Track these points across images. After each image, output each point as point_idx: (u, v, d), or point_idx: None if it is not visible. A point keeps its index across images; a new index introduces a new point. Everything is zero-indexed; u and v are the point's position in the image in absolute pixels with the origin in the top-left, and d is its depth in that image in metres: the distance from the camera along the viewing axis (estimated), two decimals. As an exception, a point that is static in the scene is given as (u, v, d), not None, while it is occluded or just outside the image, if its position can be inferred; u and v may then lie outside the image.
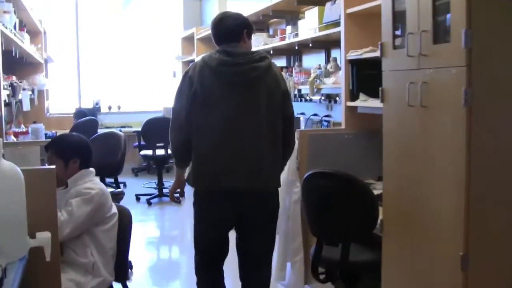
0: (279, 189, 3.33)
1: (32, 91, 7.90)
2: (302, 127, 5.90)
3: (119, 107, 10.57)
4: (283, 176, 3.70)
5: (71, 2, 10.32)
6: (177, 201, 3.33)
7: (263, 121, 3.00)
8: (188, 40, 9.62)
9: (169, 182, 8.22)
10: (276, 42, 5.61)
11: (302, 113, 5.76)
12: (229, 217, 3.10)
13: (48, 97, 9.52)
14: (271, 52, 5.90)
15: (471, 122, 2.24)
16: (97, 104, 10.38)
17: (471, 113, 2.24)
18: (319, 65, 5.00)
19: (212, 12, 9.60)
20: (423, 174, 2.58)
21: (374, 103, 3.80)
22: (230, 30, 3.10)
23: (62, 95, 10.60)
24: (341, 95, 4.63)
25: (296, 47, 5.30)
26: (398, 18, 2.81)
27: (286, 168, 3.65)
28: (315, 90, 4.80)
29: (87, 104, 10.38)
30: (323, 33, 4.49)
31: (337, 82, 4.39)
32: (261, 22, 6.76)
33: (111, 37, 10.69)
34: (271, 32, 6.71)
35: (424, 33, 2.49)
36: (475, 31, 2.20)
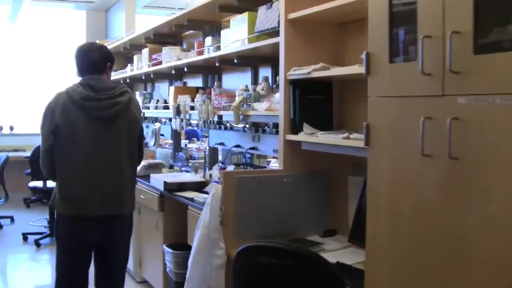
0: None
1: None
2: (220, 158, 4.90)
3: (11, 128, 9.36)
4: (202, 232, 2.97)
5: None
6: None
7: (122, 152, 3.19)
8: (89, 54, 8.39)
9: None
10: (192, 57, 4.59)
11: (221, 143, 4.77)
12: (90, 242, 3.21)
13: None
14: (185, 69, 4.88)
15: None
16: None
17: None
18: (246, 86, 4.03)
19: (119, 25, 8.46)
20: (445, 267, 1.62)
21: (326, 138, 2.85)
22: (95, 62, 3.19)
23: None
24: (270, 125, 3.72)
25: (217, 64, 4.30)
26: (398, 19, 1.86)
27: (203, 222, 2.97)
28: (241, 117, 3.80)
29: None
30: (254, 45, 3.52)
31: (272, 109, 3.43)
32: (174, 34, 5.74)
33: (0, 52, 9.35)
34: (184, 45, 5.70)
35: (457, 36, 1.53)
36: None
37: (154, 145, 5.75)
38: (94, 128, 3.08)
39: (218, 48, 4.13)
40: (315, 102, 3.20)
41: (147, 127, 6.74)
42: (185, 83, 5.81)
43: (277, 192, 3.14)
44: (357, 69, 2.66)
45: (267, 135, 4.05)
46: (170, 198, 4.08)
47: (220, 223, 2.96)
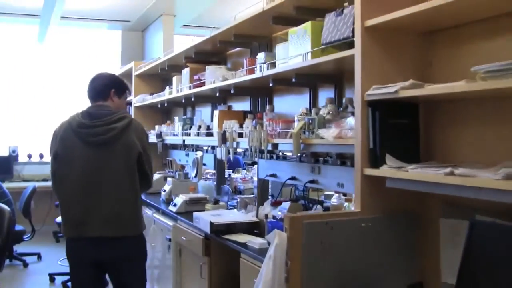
0: None
1: None
2: (271, 193, 4.30)
3: (41, 156, 8.86)
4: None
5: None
6: None
7: (121, 176, 3.29)
8: (126, 78, 7.93)
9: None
10: (241, 77, 4.02)
11: (273, 175, 4.17)
12: (89, 261, 3.30)
13: None
14: (232, 91, 4.32)
15: None
16: (14, 151, 8.68)
17: None
18: (306, 109, 3.43)
19: (156, 45, 8.01)
20: None
21: (422, 174, 2.23)
22: (96, 89, 3.45)
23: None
24: (333, 155, 3.15)
25: (271, 84, 3.71)
26: None
27: (264, 280, 2.41)
28: (302, 146, 3.20)
29: (1, 151, 8.72)
30: (322, 60, 2.92)
31: (342, 136, 2.82)
32: (218, 52, 5.20)
33: (30, 74, 8.98)
34: (229, 65, 5.15)
35: None
36: None
37: (195, 176, 5.18)
38: (90, 154, 3.27)
39: (273, 65, 3.55)
40: (398, 128, 2.58)
41: (187, 155, 6.20)
42: (229, 107, 5.26)
43: (353, 240, 2.53)
44: (466, 86, 2.06)
45: (330, 167, 3.45)
46: (217, 242, 3.48)
47: (285, 281, 2.35)
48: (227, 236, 3.36)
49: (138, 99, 6.96)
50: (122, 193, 3.29)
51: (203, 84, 4.79)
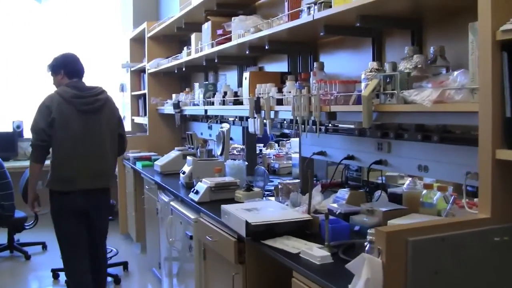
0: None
1: None
2: (319, 184, 3.37)
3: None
4: None
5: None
6: (38, 211, 4.20)
7: (105, 137, 3.93)
8: (138, 42, 7.02)
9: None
10: (281, 25, 3.03)
11: (321, 153, 3.25)
12: (79, 211, 3.85)
13: None
14: (267, 46, 3.37)
15: None
16: (18, 127, 7.83)
17: None
18: (377, 63, 2.46)
19: (172, 3, 7.01)
20: None
21: None
22: (81, 70, 4.03)
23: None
24: (412, 127, 2.23)
25: (322, 33, 2.73)
26: None
27: None
28: (375, 115, 2.25)
29: (4, 127, 7.85)
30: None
31: (446, 100, 1.86)
32: (246, 3, 4.24)
33: (32, 41, 8.05)
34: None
35: None
36: None
37: (221, 154, 4.24)
38: (82, 119, 3.79)
39: (327, 5, 2.56)
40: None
41: (210, 128, 5.27)
42: (260, 69, 4.30)
43: (480, 261, 1.59)
44: None
45: (406, 143, 2.52)
46: (255, 247, 2.55)
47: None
48: (269, 242, 2.42)
49: (152, 64, 6.02)
50: (105, 153, 3.94)
51: (228, 40, 3.84)
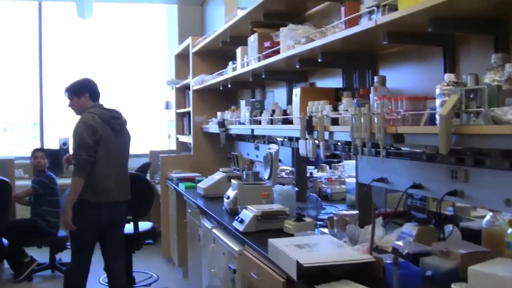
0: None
1: None
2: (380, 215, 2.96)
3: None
4: None
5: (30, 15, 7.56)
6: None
7: (127, 154, 4.38)
8: (183, 58, 6.78)
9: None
10: (336, 33, 2.67)
11: (381, 180, 2.86)
12: (106, 222, 4.12)
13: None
14: (320, 59, 3.02)
15: None
16: (64, 144, 7.68)
17: None
18: (454, 76, 2.06)
19: (217, 18, 6.75)
20: None
21: None
22: (99, 92, 4.32)
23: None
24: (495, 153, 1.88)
25: (385, 41, 2.36)
26: None
27: None
28: (455, 138, 1.86)
29: (51, 144, 7.75)
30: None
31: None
32: (295, 12, 3.89)
33: (76, 59, 7.94)
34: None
35: None
36: None
37: (269, 178, 3.88)
38: (115, 138, 4.17)
39: (391, 8, 2.19)
40: None
41: (257, 148, 4.94)
42: (312, 85, 3.94)
43: None
44: None
45: (487, 171, 2.11)
46: (307, 291, 2.18)
47: None
48: (324, 287, 2.05)
49: (197, 80, 5.75)
50: (126, 168, 4.36)
51: (276, 53, 3.51)
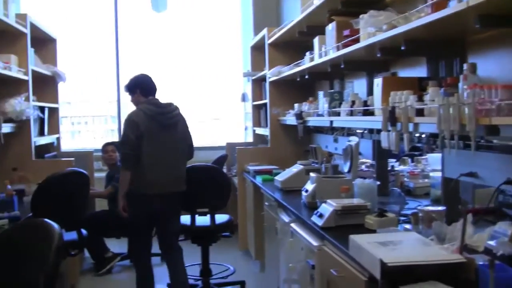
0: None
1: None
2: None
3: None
4: None
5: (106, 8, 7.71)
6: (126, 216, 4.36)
7: (179, 147, 4.45)
8: (259, 50, 6.72)
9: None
10: (422, 18, 2.51)
11: (471, 174, 2.68)
12: (156, 212, 4.36)
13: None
14: (403, 46, 2.87)
15: None
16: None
17: None
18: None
19: (293, 8, 6.63)
20: None
21: None
22: (155, 88, 4.50)
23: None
24: None
25: (478, 24, 2.19)
26: None
27: None
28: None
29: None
30: None
31: None
32: (369, 0, 3.73)
33: (152, 48, 8.01)
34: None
35: None
36: None
37: (349, 171, 3.75)
38: (162, 132, 4.32)
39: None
40: None
41: (336, 141, 4.81)
42: (394, 75, 3.78)
43: None
44: None
45: None
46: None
47: None
48: (411, 288, 1.93)
49: (273, 72, 5.67)
50: (180, 161, 4.47)
51: (356, 41, 3.37)
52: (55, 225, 2.47)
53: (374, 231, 2.77)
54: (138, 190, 4.29)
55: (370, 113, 3.39)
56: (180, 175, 4.43)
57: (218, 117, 8.35)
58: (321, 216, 3.05)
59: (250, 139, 7.39)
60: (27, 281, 2.36)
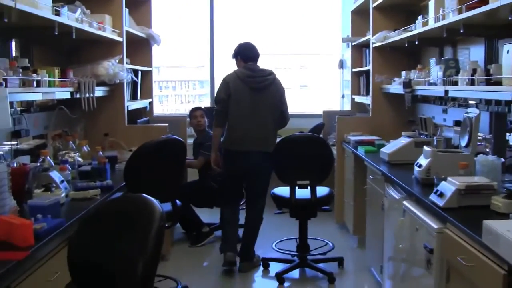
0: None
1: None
2: None
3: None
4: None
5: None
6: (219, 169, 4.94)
7: (267, 110, 4.76)
8: (361, 14, 6.40)
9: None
10: None
11: None
12: (243, 168, 4.78)
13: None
14: (461, 30, 2.53)
15: None
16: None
17: None
18: None
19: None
20: None
21: None
22: (255, 55, 4.89)
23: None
24: None
25: None
26: None
27: None
28: None
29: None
30: None
31: None
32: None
33: (247, 10, 7.82)
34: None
35: None
36: None
37: (466, 146, 3.45)
38: (251, 94, 4.72)
39: None
40: None
41: (444, 111, 4.50)
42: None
43: None
44: None
45: None
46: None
47: None
48: None
49: (378, 37, 5.35)
50: (267, 123, 4.74)
51: (483, 3, 3.04)
52: (157, 203, 2.31)
53: (502, 215, 2.50)
54: (224, 146, 4.79)
55: (495, 83, 3.08)
56: (264, 136, 4.72)
57: (309, 84, 8.14)
58: (441, 195, 2.79)
59: (346, 107, 7.13)
60: (125, 265, 2.19)
